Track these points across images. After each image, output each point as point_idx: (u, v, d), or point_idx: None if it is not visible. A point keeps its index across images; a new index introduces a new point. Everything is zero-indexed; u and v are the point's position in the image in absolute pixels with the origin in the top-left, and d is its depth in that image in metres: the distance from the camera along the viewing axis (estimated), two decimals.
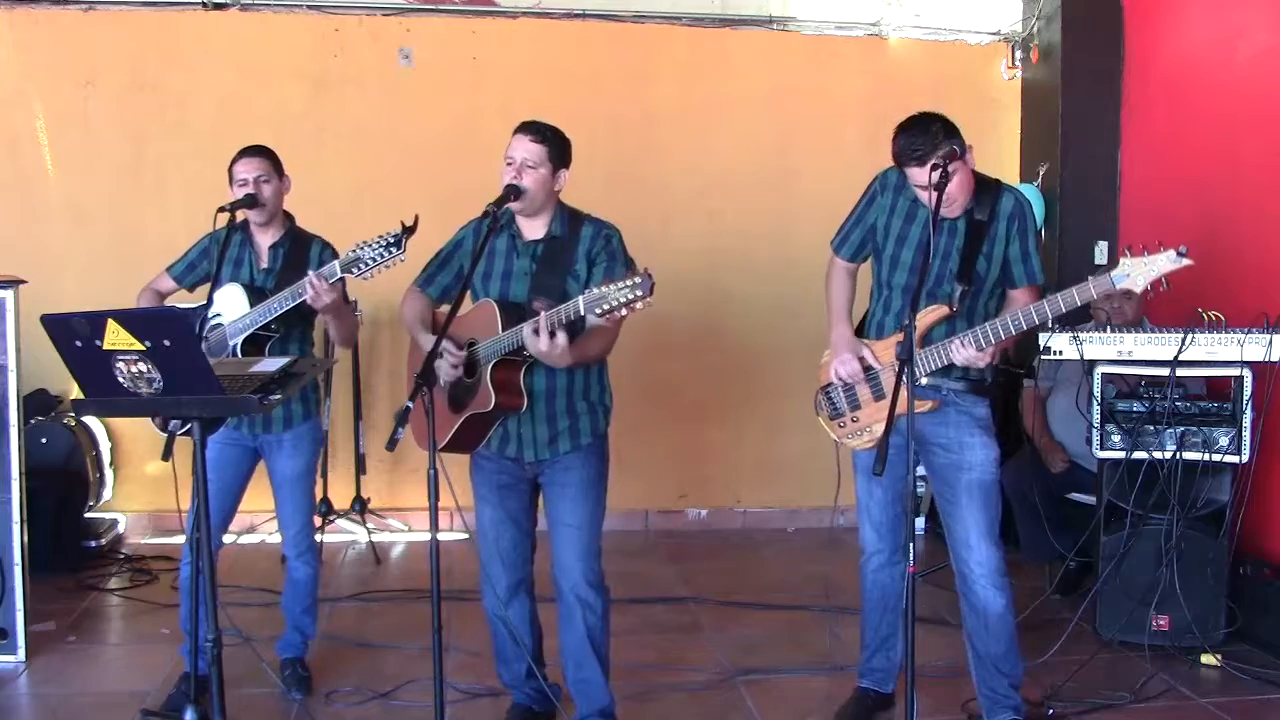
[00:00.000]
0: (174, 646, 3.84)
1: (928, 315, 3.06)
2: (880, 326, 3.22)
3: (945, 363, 3.04)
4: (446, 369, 2.97)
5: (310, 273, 3.23)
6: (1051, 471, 4.58)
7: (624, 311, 2.65)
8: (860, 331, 3.28)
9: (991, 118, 5.84)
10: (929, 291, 3.08)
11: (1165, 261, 2.77)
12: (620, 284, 2.62)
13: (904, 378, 2.62)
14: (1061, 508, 4.53)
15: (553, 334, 2.73)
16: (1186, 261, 2.77)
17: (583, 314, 2.72)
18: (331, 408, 5.20)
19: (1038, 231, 3.18)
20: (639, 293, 2.60)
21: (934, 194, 2.84)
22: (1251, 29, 4.44)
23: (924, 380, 3.08)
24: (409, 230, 3.09)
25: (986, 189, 3.11)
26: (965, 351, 2.96)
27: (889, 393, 3.08)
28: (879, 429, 3.11)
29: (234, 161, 3.49)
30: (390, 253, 3.09)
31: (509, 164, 2.98)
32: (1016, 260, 3.12)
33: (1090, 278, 2.87)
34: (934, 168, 2.85)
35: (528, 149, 2.98)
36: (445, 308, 3.00)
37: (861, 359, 3.17)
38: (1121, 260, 2.83)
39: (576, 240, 3.04)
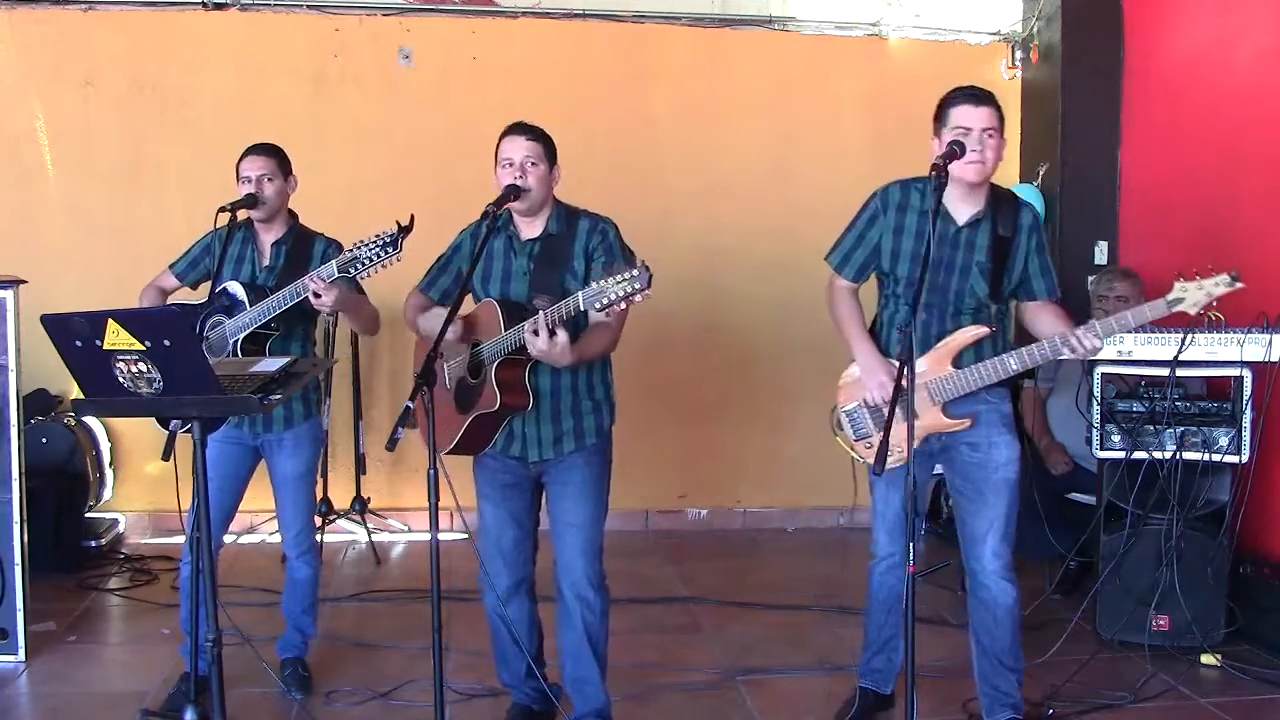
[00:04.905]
0: (174, 646, 3.84)
1: (964, 335, 3.05)
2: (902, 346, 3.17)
3: (982, 386, 3.01)
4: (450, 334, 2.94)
5: (307, 277, 3.23)
6: (1053, 473, 4.58)
7: (623, 305, 2.64)
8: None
9: None
10: (955, 310, 3.06)
11: (1220, 286, 2.83)
12: (618, 277, 2.62)
13: (903, 378, 2.61)
14: (1061, 508, 4.53)
15: (552, 332, 2.73)
16: (1240, 285, 2.82)
17: (582, 309, 2.71)
18: (331, 408, 5.20)
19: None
20: (637, 285, 2.60)
21: (934, 195, 2.82)
22: (1251, 29, 4.44)
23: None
24: (405, 230, 3.09)
25: (1005, 201, 3.10)
26: (1088, 343, 2.92)
27: (921, 413, 3.04)
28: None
29: (241, 159, 3.49)
30: (387, 252, 3.10)
31: (507, 165, 2.98)
32: (1037, 275, 3.12)
33: (1147, 303, 2.92)
34: (933, 168, 2.84)
35: (526, 147, 2.98)
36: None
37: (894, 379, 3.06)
38: (1176, 285, 2.86)
39: (573, 236, 3.04)
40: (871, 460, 3.07)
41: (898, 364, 3.04)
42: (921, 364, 3.07)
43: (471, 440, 3.04)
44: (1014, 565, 3.15)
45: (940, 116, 3.06)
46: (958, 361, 3.06)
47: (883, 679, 3.38)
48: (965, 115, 2.97)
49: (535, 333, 2.74)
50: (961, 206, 3.06)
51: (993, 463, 3.11)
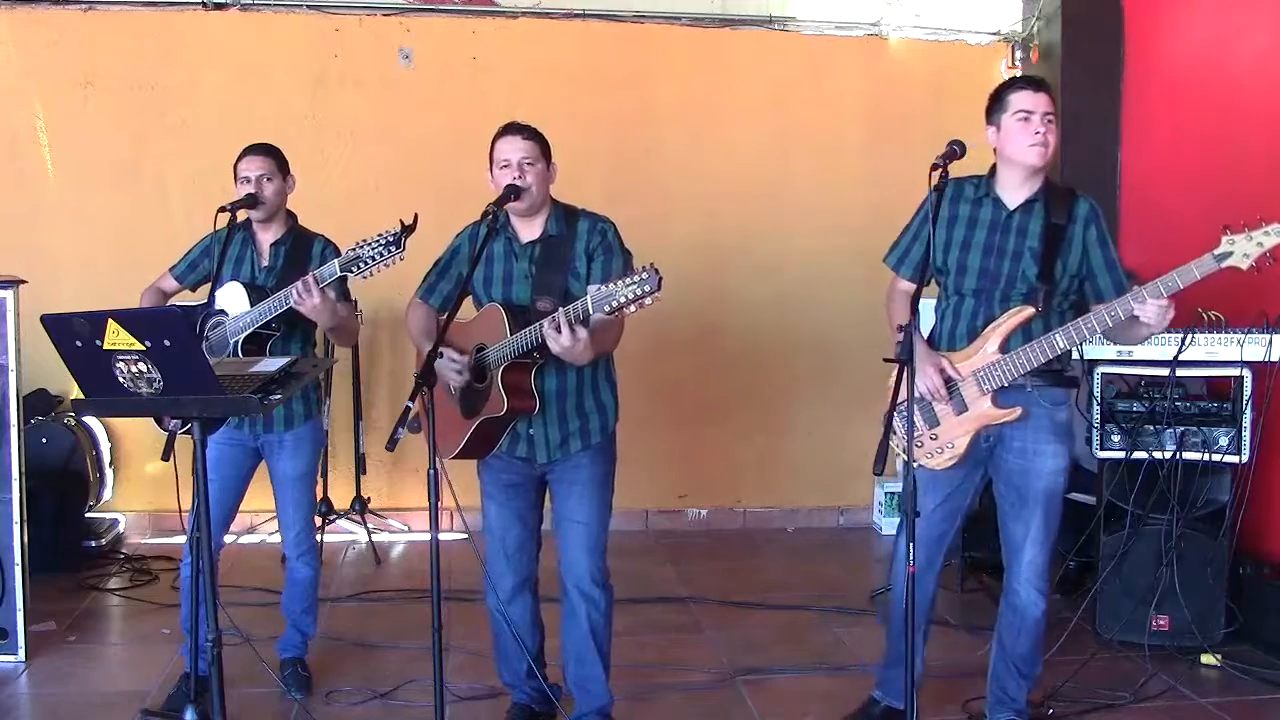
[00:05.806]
0: (174, 646, 3.85)
1: (1011, 319, 2.97)
2: (953, 336, 3.09)
3: (1030, 368, 2.94)
4: (452, 375, 2.96)
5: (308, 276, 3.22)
6: None
7: (633, 308, 2.62)
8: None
9: None
10: (1004, 297, 2.99)
11: (1271, 236, 2.67)
12: (627, 280, 2.60)
13: (904, 378, 2.61)
14: (1062, 508, 4.51)
15: (573, 329, 2.72)
16: None
17: (591, 312, 2.70)
18: (331, 408, 5.20)
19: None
20: (647, 288, 2.58)
21: (934, 195, 2.80)
22: (1251, 29, 4.44)
23: (1006, 383, 2.97)
24: (408, 229, 3.08)
25: (1059, 194, 3.07)
26: (1151, 306, 2.76)
27: (971, 404, 3.01)
28: (963, 444, 3.05)
29: (239, 159, 3.49)
30: (389, 251, 3.09)
31: (505, 166, 2.97)
32: (1102, 269, 3.02)
33: (1193, 260, 2.75)
34: (934, 168, 2.83)
35: (523, 147, 2.98)
36: None
37: (941, 370, 3.01)
38: (1224, 238, 2.71)
39: (573, 237, 3.04)
40: (921, 458, 3.06)
41: (944, 355, 3.04)
42: (968, 353, 3.03)
43: (477, 445, 3.03)
44: (1049, 577, 3.13)
45: (996, 105, 3.06)
46: (1005, 347, 2.98)
47: (897, 690, 3.32)
48: (1027, 99, 2.99)
49: (558, 330, 2.72)
50: (1015, 194, 3.05)
51: (1036, 470, 3.05)
